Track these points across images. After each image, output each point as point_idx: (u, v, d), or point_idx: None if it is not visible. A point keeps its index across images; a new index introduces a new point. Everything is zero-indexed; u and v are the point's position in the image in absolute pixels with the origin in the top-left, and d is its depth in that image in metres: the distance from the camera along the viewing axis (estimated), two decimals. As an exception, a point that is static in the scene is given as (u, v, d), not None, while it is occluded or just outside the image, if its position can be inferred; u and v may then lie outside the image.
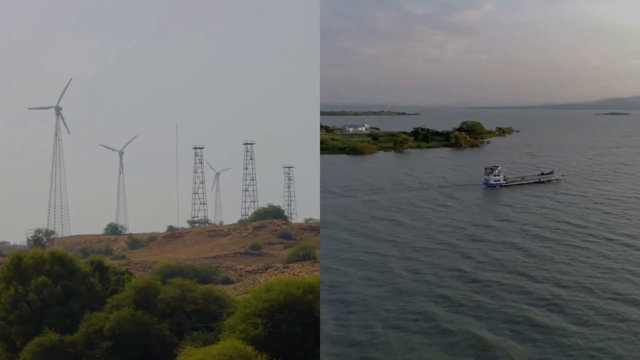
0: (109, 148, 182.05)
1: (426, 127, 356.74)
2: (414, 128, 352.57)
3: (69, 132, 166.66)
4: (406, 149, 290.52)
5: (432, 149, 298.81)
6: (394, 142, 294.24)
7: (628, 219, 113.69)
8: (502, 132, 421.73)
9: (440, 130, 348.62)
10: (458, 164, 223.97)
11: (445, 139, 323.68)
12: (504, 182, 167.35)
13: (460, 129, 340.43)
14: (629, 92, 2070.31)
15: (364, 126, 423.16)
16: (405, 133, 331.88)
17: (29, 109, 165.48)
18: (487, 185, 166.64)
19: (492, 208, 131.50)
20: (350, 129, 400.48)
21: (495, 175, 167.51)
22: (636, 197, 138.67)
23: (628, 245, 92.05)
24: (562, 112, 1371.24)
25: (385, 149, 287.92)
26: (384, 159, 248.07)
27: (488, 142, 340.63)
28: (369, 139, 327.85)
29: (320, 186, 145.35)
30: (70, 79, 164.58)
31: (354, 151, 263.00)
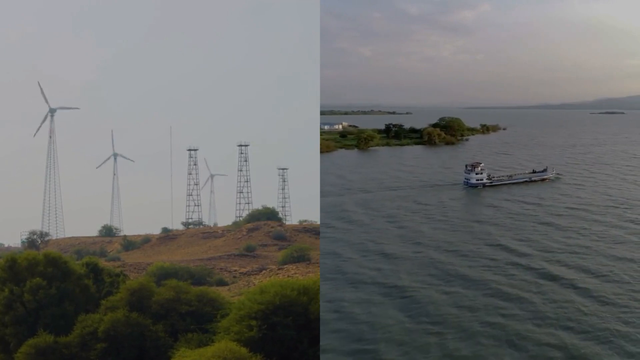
0: (103, 163, 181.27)
1: (398, 124, 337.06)
2: (386, 125, 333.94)
3: (78, 108, 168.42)
4: (372, 146, 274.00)
5: (402, 147, 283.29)
6: (357, 140, 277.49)
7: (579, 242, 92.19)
8: (486, 129, 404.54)
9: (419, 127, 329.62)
10: (412, 164, 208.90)
11: (420, 137, 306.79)
12: (488, 181, 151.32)
13: (435, 125, 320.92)
14: (625, 92, 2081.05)
15: (341, 124, 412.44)
16: (378, 130, 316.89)
17: (34, 135, 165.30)
18: (468, 185, 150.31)
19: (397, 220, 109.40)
20: (326, 127, 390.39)
21: (477, 174, 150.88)
22: (608, 206, 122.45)
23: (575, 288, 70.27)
24: (558, 111, 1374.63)
25: (348, 147, 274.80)
26: (334, 158, 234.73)
27: (467, 140, 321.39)
28: (337, 136, 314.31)
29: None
30: (78, 108, 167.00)
31: None
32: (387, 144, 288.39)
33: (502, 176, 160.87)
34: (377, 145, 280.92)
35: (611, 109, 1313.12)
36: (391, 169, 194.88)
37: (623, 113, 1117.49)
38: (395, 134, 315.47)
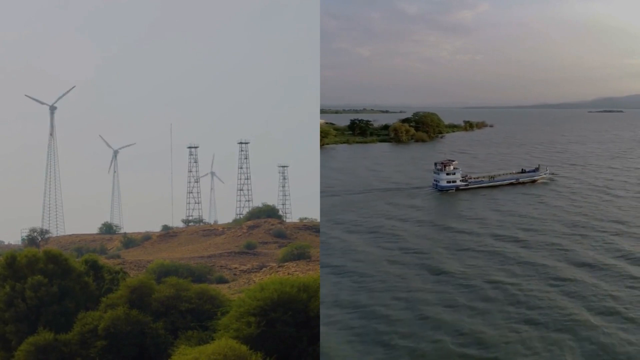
0: (110, 165, 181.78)
1: (365, 120, 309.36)
2: (351, 120, 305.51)
3: (75, 86, 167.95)
4: (329, 144, 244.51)
5: (365, 144, 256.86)
6: None
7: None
8: (469, 126, 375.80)
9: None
10: (369, 163, 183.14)
11: (388, 134, 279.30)
12: (463, 183, 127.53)
13: (406, 121, 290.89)
14: (624, 91, 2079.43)
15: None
16: (347, 127, 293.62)
17: (25, 95, 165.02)
18: (438, 188, 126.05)
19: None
20: None
21: (448, 175, 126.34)
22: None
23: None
24: (556, 110, 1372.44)
25: None
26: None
27: (442, 137, 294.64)
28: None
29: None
30: (74, 87, 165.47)
31: None
32: (347, 142, 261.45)
33: (481, 177, 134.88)
34: (335, 142, 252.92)
35: (610, 108, 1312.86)
36: (335, 169, 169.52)
37: (622, 112, 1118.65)
38: (361, 131, 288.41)
